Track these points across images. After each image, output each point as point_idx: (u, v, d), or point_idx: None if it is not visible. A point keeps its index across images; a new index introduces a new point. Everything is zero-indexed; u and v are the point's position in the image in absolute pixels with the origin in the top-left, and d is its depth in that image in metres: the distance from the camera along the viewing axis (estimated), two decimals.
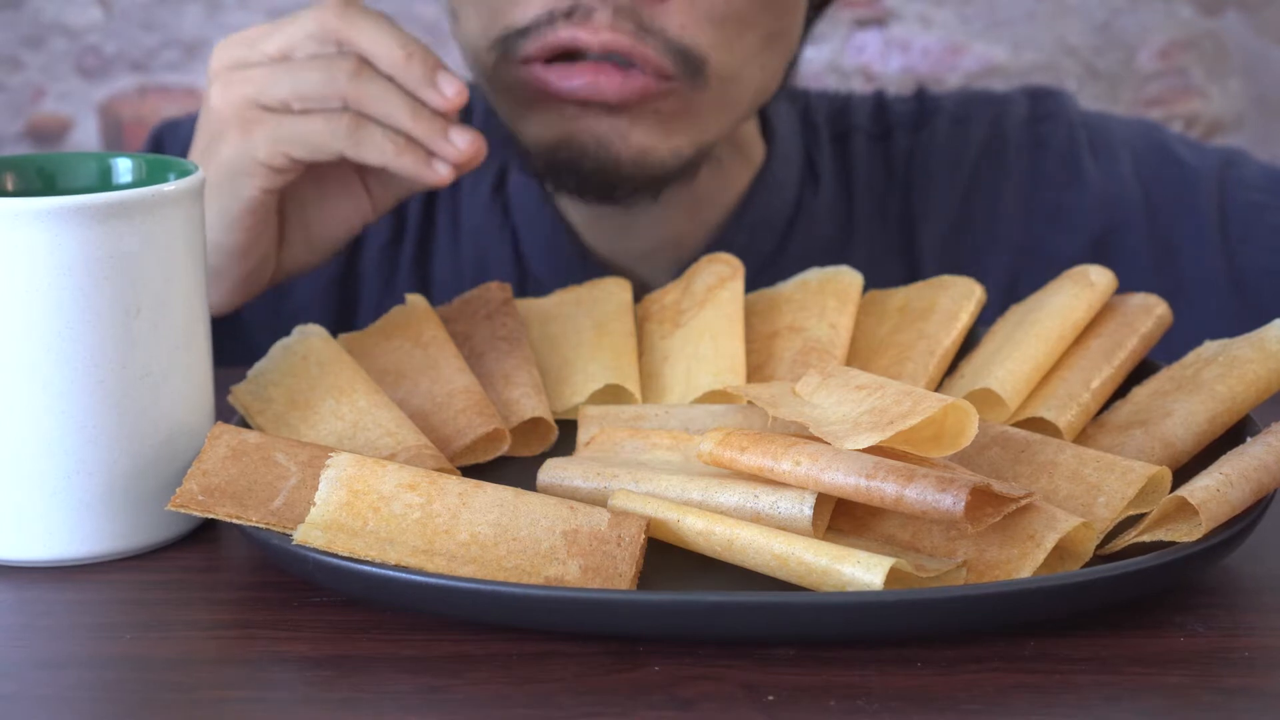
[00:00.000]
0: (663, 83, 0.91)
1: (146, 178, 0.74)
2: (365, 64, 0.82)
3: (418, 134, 0.83)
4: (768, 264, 1.04)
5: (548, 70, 0.91)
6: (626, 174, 0.94)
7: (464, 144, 0.83)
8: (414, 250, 1.07)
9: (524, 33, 0.92)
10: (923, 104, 1.11)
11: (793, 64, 1.01)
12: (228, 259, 0.87)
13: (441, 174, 0.84)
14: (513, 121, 0.96)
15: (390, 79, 0.83)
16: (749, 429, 0.69)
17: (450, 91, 0.83)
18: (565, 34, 0.90)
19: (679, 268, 1.01)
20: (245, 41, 0.85)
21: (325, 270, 1.06)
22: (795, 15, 0.96)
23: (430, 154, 0.83)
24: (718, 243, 1.03)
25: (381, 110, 0.82)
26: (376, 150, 0.83)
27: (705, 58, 0.91)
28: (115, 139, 1.71)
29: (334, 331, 0.91)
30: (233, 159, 0.84)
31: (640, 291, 0.90)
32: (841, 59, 1.66)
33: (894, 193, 1.09)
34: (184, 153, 1.03)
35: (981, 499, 0.63)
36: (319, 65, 0.82)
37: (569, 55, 0.91)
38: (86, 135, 1.72)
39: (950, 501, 0.62)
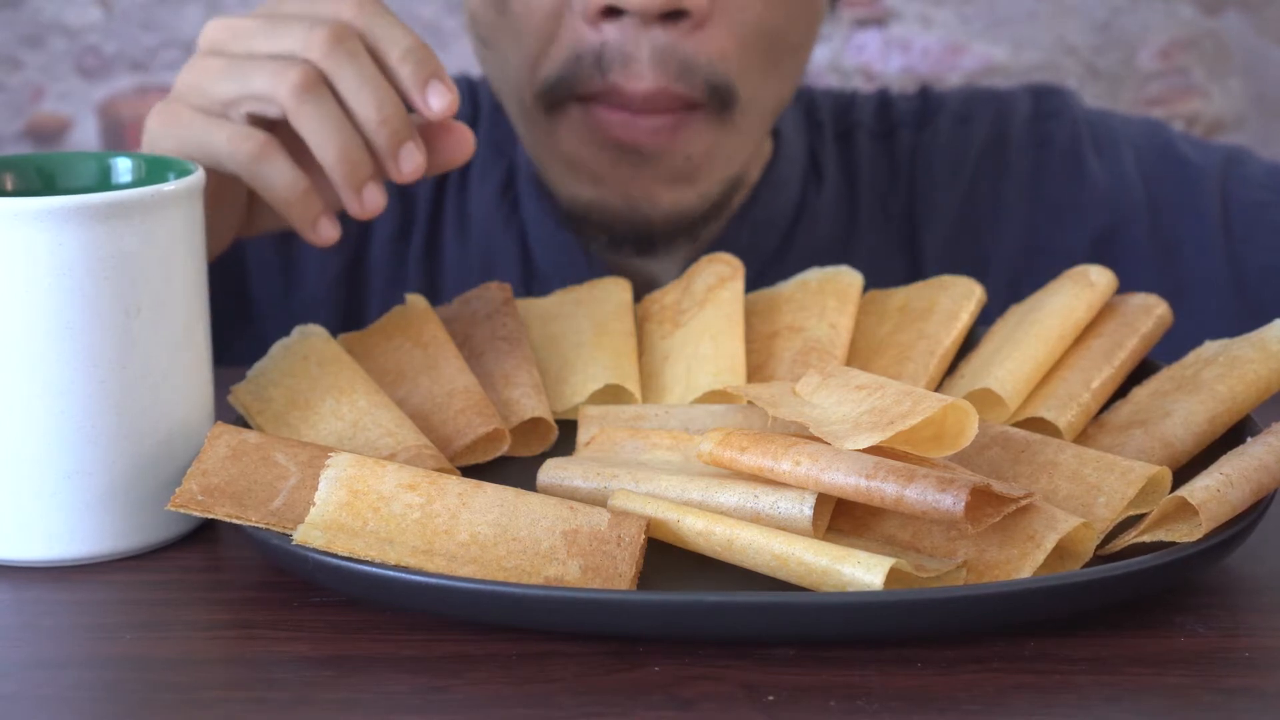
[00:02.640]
0: (692, 113, 0.92)
1: (146, 178, 0.74)
2: (322, 83, 0.77)
3: (337, 178, 0.78)
4: (772, 261, 1.04)
5: (587, 109, 0.93)
6: (660, 230, 0.97)
7: (372, 205, 0.79)
8: (423, 244, 1.07)
9: (559, 83, 0.93)
10: (926, 102, 1.12)
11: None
12: None
13: (323, 237, 0.80)
14: (546, 175, 0.98)
15: (348, 114, 0.78)
16: (749, 429, 0.69)
17: (439, 105, 0.78)
18: (606, 86, 0.91)
19: (684, 265, 1.01)
20: (232, 31, 0.80)
21: (334, 263, 1.06)
22: (815, 23, 0.97)
23: (324, 209, 0.79)
24: (722, 240, 1.03)
25: (315, 139, 0.77)
26: (270, 187, 0.78)
27: (736, 89, 0.93)
28: (115, 139, 1.71)
29: (343, 325, 0.91)
30: (150, 142, 0.81)
31: (646, 290, 0.90)
32: (841, 59, 1.66)
33: (897, 190, 1.09)
34: None
35: (981, 499, 0.63)
36: (270, 71, 0.77)
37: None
38: (86, 135, 1.72)
39: (950, 501, 0.62)
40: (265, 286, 1.06)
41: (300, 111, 0.77)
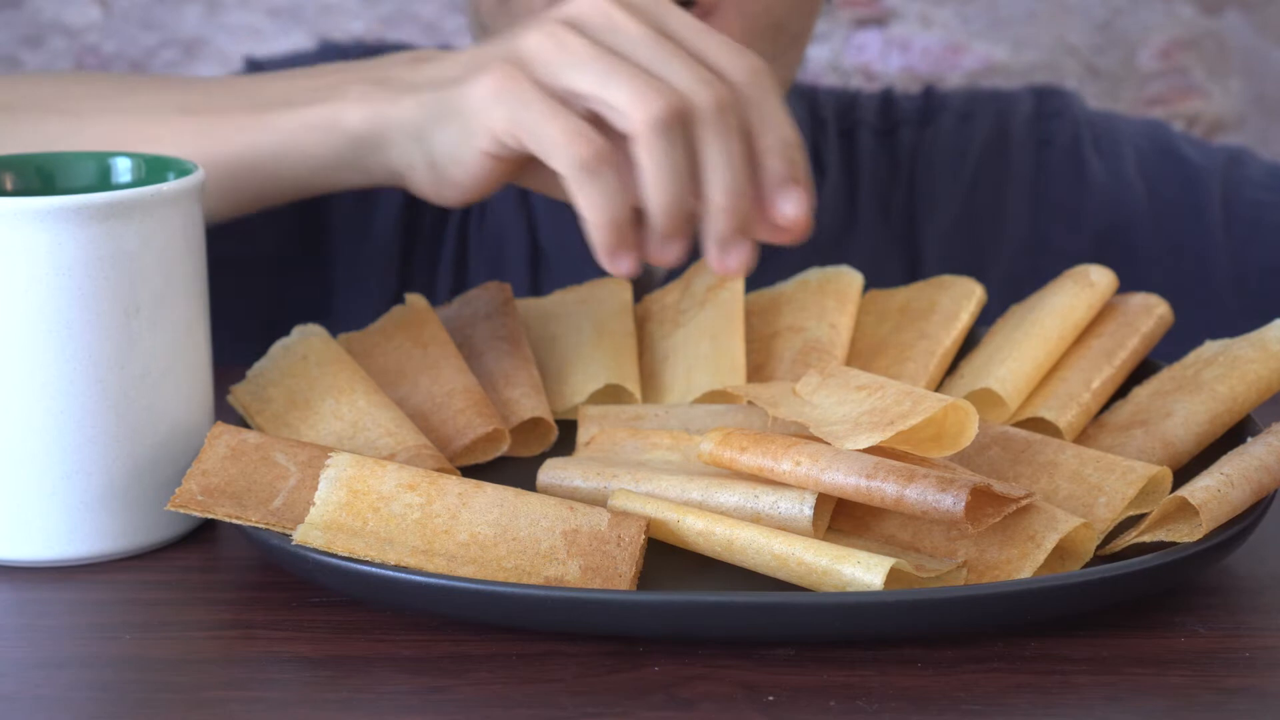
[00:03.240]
0: None
1: (146, 177, 0.74)
2: (681, 125, 0.71)
3: (655, 224, 0.72)
4: (771, 255, 1.04)
5: None
6: None
7: (672, 257, 0.74)
8: (454, 229, 1.07)
9: None
10: (929, 101, 1.12)
11: None
12: (447, 181, 0.78)
13: (621, 269, 0.73)
14: None
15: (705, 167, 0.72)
16: (749, 429, 0.69)
17: (790, 214, 0.73)
18: None
19: (683, 265, 1.02)
20: (612, 21, 0.73)
21: (388, 225, 1.06)
22: (815, 14, 0.97)
23: (631, 244, 0.73)
24: None
25: (653, 178, 0.71)
26: (589, 204, 0.71)
27: None
28: None
29: (397, 281, 0.89)
30: (473, 106, 0.74)
31: (647, 279, 0.90)
32: (841, 59, 1.66)
33: (898, 188, 1.09)
34: None
35: (982, 499, 0.63)
36: (638, 88, 0.71)
37: None
38: None
39: (950, 502, 0.62)
40: (344, 214, 1.06)
41: (651, 144, 0.71)
